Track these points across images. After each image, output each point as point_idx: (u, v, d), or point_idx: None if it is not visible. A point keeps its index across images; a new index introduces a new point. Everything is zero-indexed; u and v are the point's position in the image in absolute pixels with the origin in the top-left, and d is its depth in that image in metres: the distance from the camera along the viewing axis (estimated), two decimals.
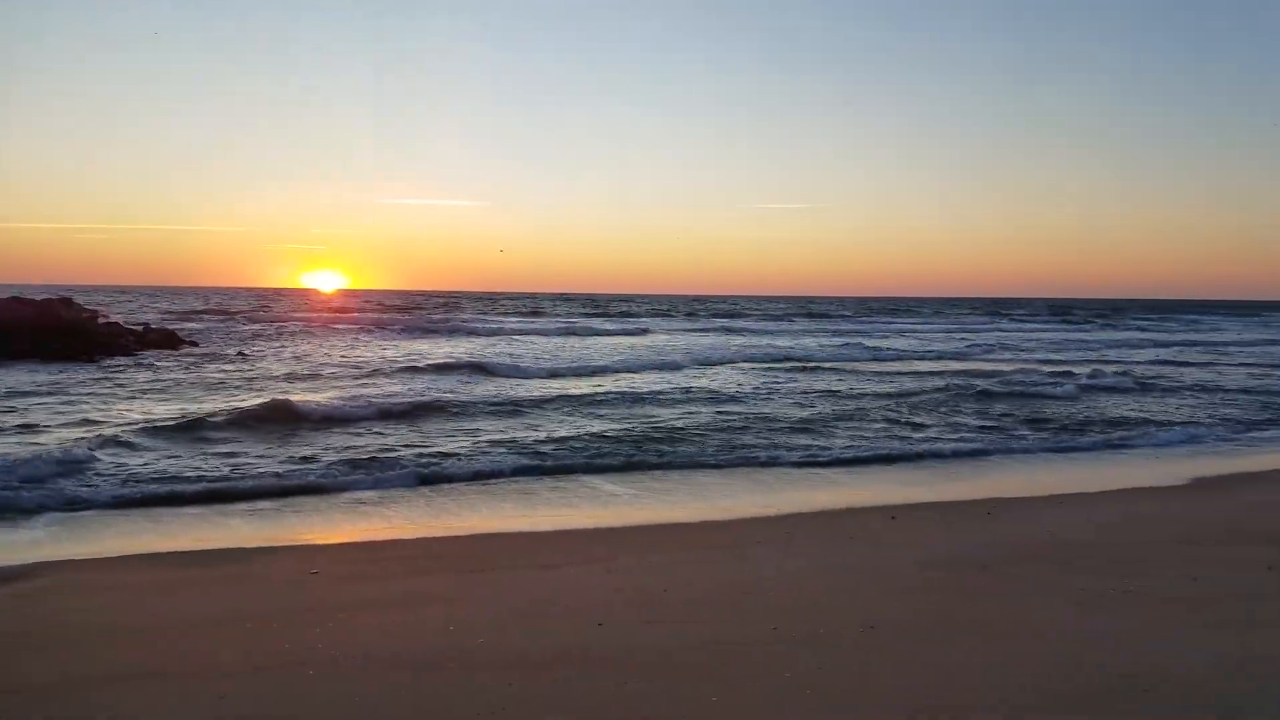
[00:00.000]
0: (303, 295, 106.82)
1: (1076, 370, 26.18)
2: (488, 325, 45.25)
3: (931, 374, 25.78)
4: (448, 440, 13.26)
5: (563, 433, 14.00)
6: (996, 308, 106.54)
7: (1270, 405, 19.61)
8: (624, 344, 36.00)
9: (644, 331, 44.90)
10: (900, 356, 33.00)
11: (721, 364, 26.47)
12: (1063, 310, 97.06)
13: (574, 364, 25.91)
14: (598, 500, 10.11)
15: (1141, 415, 17.61)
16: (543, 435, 13.73)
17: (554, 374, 23.69)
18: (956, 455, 13.28)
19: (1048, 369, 27.57)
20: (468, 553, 7.74)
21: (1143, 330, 60.16)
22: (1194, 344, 44.05)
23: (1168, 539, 7.77)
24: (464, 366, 24.31)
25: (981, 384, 21.96)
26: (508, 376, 22.89)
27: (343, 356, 28.03)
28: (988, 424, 16.08)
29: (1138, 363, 31.31)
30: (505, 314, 65.57)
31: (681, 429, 14.59)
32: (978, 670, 4.63)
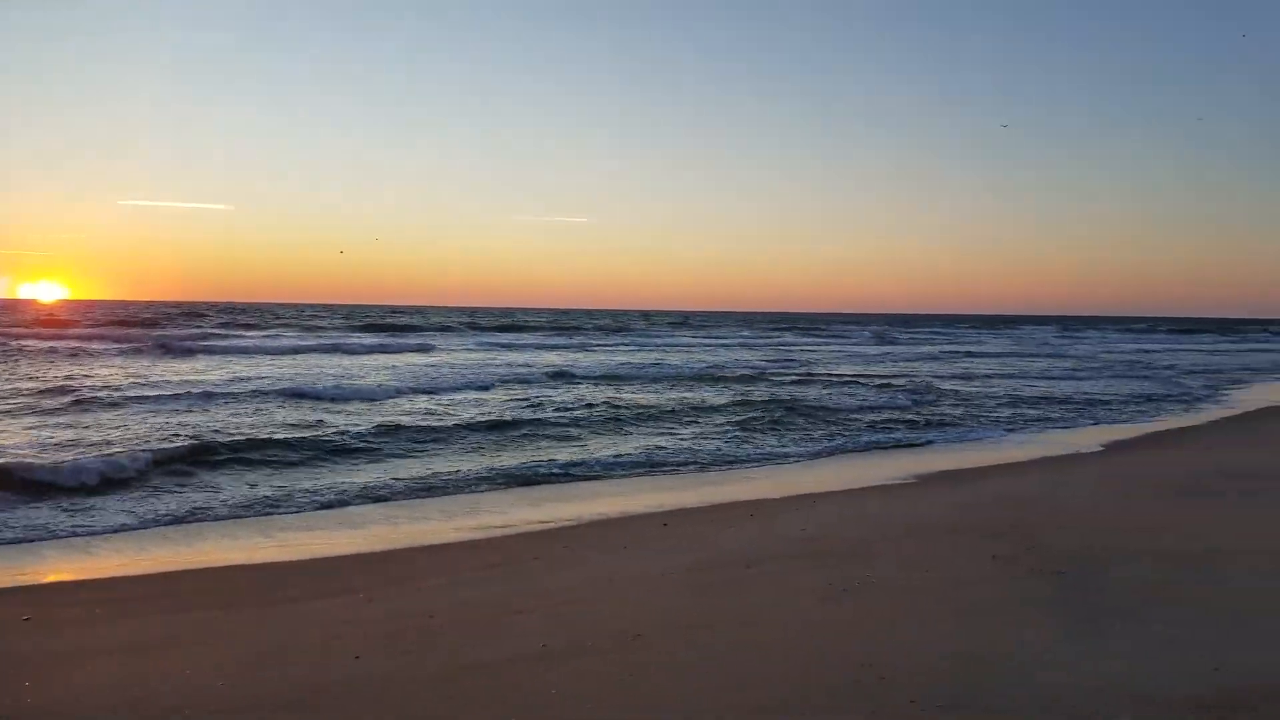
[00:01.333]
0: (18, 307, 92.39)
1: (844, 380, 28.11)
2: (235, 343, 40.23)
3: (711, 385, 26.77)
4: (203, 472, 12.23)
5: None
6: (793, 323, 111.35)
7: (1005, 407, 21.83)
8: (405, 361, 34.28)
9: (426, 348, 43.04)
10: (679, 373, 33.93)
11: (500, 382, 26.04)
12: (856, 323, 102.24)
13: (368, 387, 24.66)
14: (358, 526, 9.63)
15: (901, 419, 19.15)
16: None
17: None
18: (727, 461, 13.84)
19: (828, 380, 29.46)
20: (209, 589, 7.13)
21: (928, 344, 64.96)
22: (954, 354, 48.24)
23: (906, 531, 8.39)
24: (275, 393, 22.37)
25: (761, 394, 23.13)
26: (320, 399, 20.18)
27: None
28: (762, 430, 16.90)
29: (899, 376, 33.84)
30: (255, 327, 58.42)
31: (457, 446, 14.31)
32: (734, 668, 4.77)
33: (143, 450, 12.31)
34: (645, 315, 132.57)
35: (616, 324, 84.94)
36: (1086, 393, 26.49)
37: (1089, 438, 16.90)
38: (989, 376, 33.04)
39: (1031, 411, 21.34)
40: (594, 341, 52.64)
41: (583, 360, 35.54)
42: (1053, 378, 32.70)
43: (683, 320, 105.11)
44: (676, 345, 51.88)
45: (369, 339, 46.05)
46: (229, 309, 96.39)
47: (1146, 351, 55.01)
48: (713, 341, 59.00)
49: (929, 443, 16.28)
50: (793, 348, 52.05)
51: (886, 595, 6.16)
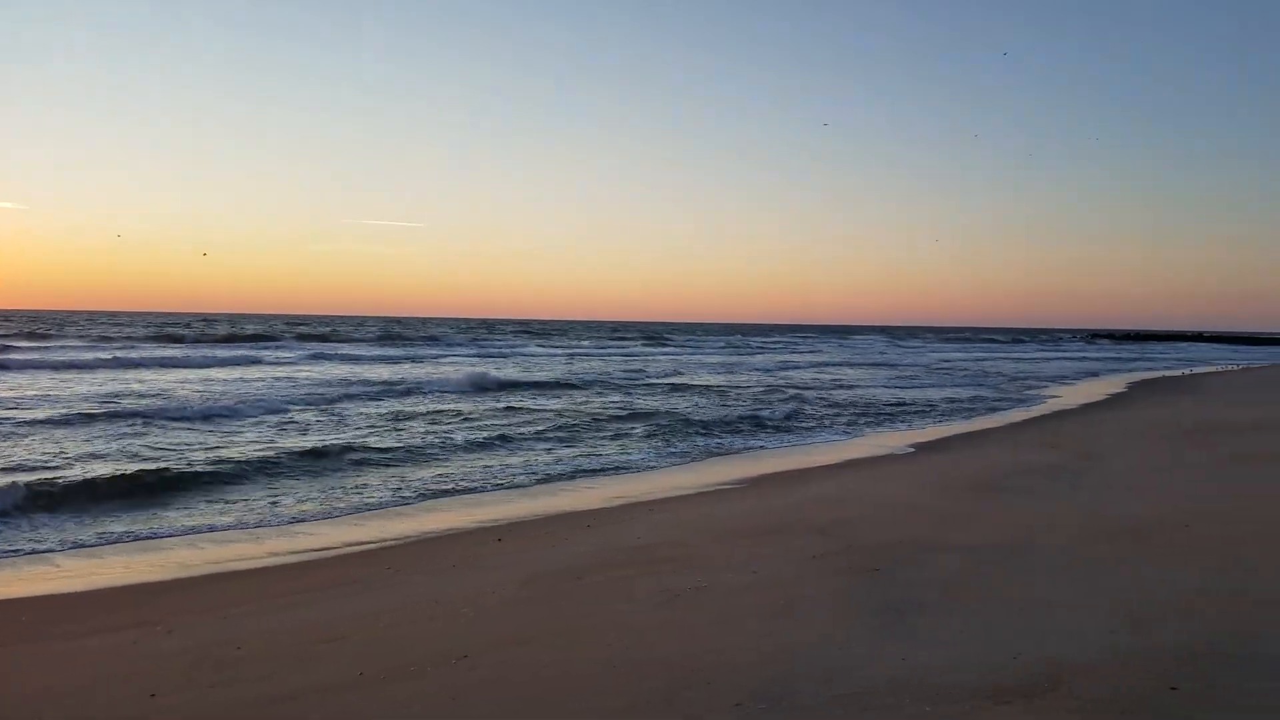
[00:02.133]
0: None
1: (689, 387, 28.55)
2: (28, 356, 35.97)
3: (556, 394, 26.59)
4: None
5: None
6: (640, 331, 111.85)
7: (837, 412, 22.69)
8: (233, 375, 32.13)
9: (254, 361, 40.50)
10: (516, 382, 33.58)
11: (345, 396, 24.82)
12: (703, 332, 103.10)
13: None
14: (158, 551, 8.98)
15: (742, 425, 19.58)
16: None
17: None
18: (569, 473, 13.76)
19: (674, 388, 29.75)
20: None
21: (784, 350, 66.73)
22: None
23: (735, 534, 8.54)
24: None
25: (608, 403, 23.16)
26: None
27: None
28: (606, 440, 16.91)
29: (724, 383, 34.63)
30: (47, 337, 53.07)
31: (281, 468, 13.60)
32: (561, 683, 4.69)
33: None
34: (487, 324, 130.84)
35: (456, 333, 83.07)
36: (914, 398, 27.98)
37: (910, 438, 17.82)
38: (829, 382, 34.45)
39: (864, 415, 22.34)
40: (430, 353, 51.05)
41: (414, 373, 34.42)
42: (881, 385, 34.36)
43: (524, 329, 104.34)
44: (520, 355, 51.42)
45: (196, 352, 43.12)
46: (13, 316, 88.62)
47: (980, 360, 58.75)
48: (558, 350, 58.82)
49: (764, 447, 16.73)
50: (639, 358, 52.45)
51: (715, 599, 6.22)
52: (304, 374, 32.32)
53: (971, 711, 4.07)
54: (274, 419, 19.07)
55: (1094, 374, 43.73)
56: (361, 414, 20.45)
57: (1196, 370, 45.36)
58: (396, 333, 76.54)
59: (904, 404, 25.69)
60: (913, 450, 16.17)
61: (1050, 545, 7.50)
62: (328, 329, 78.53)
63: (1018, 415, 23.05)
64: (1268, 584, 6.05)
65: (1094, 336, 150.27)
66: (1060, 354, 73.76)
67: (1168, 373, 43.46)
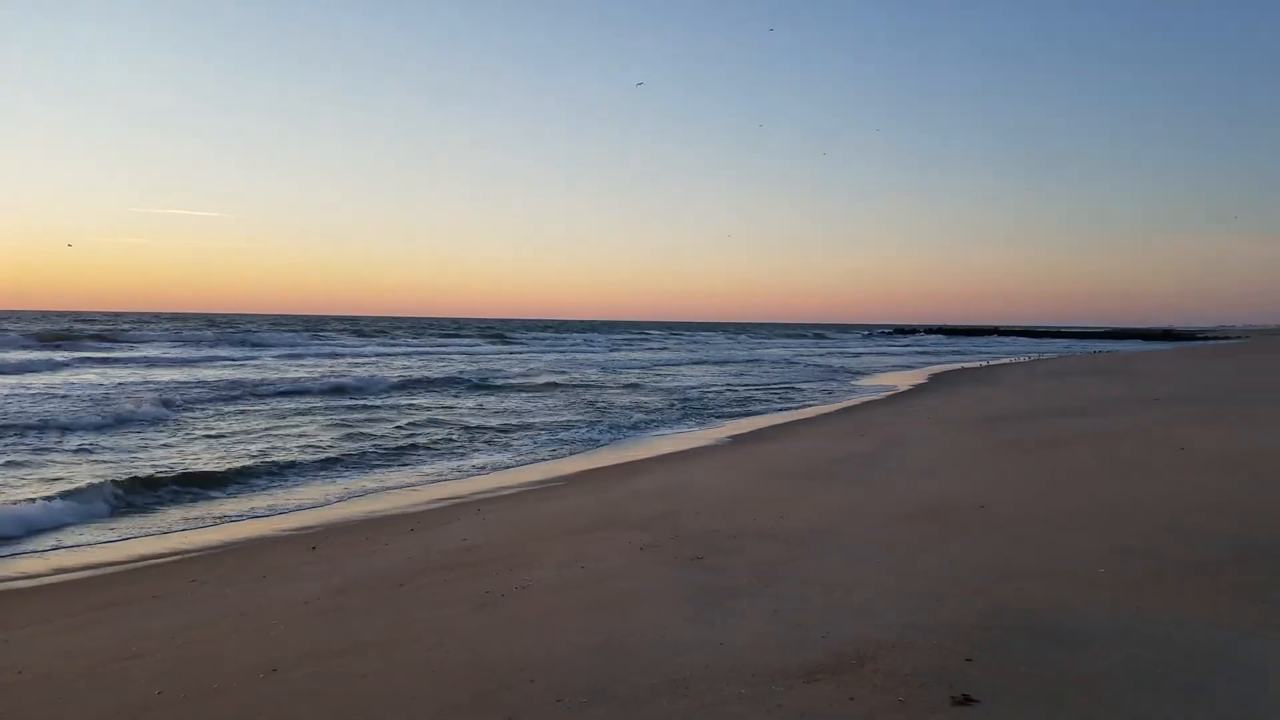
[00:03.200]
0: None
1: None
2: None
3: (386, 395, 25.75)
4: None
5: None
6: (474, 328, 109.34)
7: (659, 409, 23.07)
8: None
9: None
10: (339, 386, 32.26)
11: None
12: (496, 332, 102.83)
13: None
14: None
15: (574, 421, 19.55)
16: None
17: None
18: (390, 478, 13.35)
19: (510, 388, 29.32)
20: None
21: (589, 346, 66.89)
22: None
23: (562, 531, 8.54)
24: None
25: (435, 404, 22.53)
26: None
27: None
28: (436, 442, 16.50)
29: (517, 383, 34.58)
30: None
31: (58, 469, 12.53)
32: (378, 693, 4.53)
33: None
34: (306, 321, 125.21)
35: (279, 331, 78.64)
36: (737, 389, 28.86)
37: (731, 430, 18.36)
38: (669, 377, 35.02)
39: (691, 408, 22.88)
40: (223, 355, 47.37)
41: (204, 375, 32.39)
42: (709, 377, 35.25)
43: (353, 327, 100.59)
44: (348, 354, 49.47)
45: None
46: None
47: (800, 354, 61.32)
48: (398, 349, 57.03)
49: (597, 442, 16.83)
50: (472, 355, 51.57)
51: (541, 596, 6.18)
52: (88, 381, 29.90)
53: (784, 691, 4.22)
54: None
55: (907, 367, 46.57)
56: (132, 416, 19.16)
57: (995, 362, 49.00)
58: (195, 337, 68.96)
59: (728, 396, 26.47)
60: (731, 441, 16.67)
61: (858, 529, 7.89)
62: (110, 326, 72.28)
63: (830, 406, 24.19)
64: (1052, 559, 6.58)
65: (900, 331, 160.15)
66: (875, 348, 78.06)
67: (966, 365, 46.73)
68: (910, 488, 9.98)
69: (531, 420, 20.07)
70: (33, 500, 10.40)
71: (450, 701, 4.34)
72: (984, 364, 46.86)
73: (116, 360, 39.20)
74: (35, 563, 8.43)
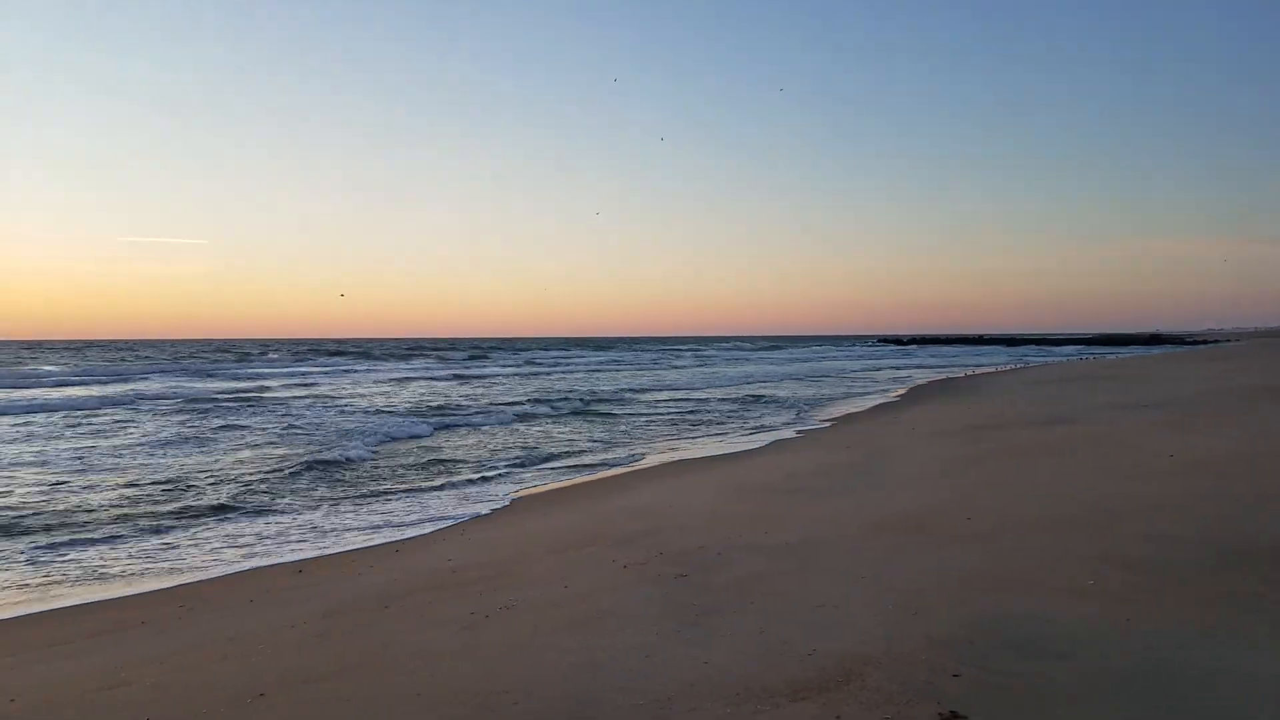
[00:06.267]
0: None
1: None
2: None
3: (362, 418, 25.65)
4: None
5: None
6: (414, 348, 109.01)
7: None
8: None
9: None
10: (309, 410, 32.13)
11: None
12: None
13: None
14: None
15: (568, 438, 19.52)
16: None
17: None
18: (378, 505, 13.31)
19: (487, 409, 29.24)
20: None
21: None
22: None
23: (547, 549, 8.56)
24: None
25: (419, 426, 22.50)
26: None
27: None
28: (421, 466, 16.46)
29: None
30: None
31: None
32: (363, 714, 4.54)
33: None
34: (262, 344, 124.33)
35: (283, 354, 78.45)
36: (721, 404, 28.90)
37: (720, 446, 18.39)
38: (640, 393, 35.04)
39: (677, 423, 22.91)
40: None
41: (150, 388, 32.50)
42: (700, 391, 35.25)
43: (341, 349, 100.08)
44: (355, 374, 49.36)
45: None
46: None
47: (795, 363, 61.30)
48: (385, 372, 56.85)
49: (584, 463, 16.82)
50: (463, 377, 51.46)
51: (524, 617, 6.20)
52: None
53: (769, 710, 4.25)
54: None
55: (896, 376, 46.75)
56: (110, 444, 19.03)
57: (978, 371, 49.23)
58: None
59: (717, 410, 26.53)
60: (720, 456, 16.70)
61: (841, 542, 7.91)
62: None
63: (816, 418, 24.26)
64: (1039, 569, 6.60)
65: (885, 341, 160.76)
66: (860, 357, 78.35)
67: (950, 374, 46.95)
68: (894, 499, 10.03)
69: (527, 442, 19.91)
70: None
71: None
72: (968, 373, 47.09)
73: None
74: (27, 592, 8.33)
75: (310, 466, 15.60)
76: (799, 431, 20.91)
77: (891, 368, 58.97)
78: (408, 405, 29.14)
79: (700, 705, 4.34)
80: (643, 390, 37.30)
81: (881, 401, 29.60)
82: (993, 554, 7.15)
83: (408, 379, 47.44)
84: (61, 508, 12.16)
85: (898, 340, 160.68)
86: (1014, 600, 5.85)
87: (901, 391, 34.31)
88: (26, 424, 23.67)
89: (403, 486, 13.94)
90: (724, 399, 31.87)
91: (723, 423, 23.58)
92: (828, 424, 22.50)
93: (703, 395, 34.07)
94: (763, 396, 32.77)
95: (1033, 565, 6.73)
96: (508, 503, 12.49)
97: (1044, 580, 6.30)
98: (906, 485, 11.01)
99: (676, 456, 17.00)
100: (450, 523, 11.08)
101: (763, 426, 22.54)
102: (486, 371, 56.10)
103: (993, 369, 51.83)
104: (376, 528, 10.92)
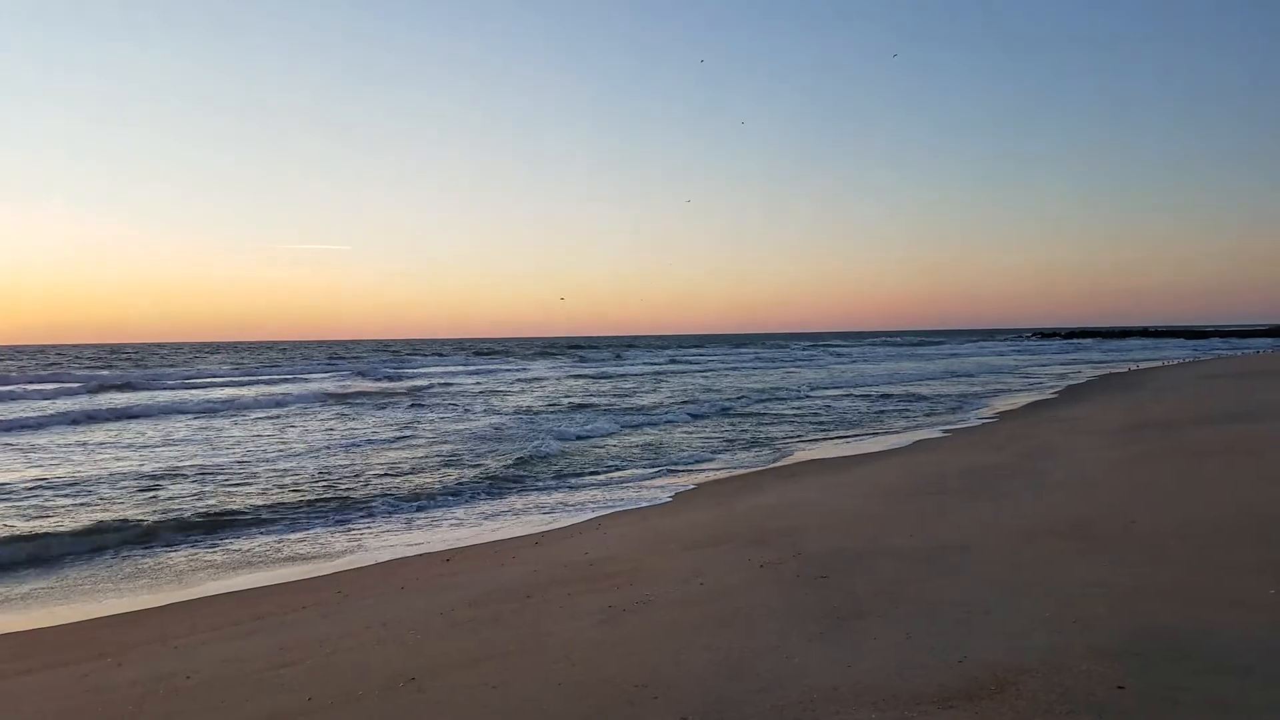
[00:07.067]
0: None
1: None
2: None
3: (500, 417, 26.42)
4: None
5: None
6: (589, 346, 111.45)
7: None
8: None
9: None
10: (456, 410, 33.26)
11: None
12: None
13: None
14: (103, 586, 8.80)
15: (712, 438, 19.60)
16: None
17: None
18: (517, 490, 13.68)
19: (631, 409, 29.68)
20: None
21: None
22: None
23: (682, 546, 8.55)
24: None
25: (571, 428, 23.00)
26: None
27: None
28: (562, 467, 16.85)
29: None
30: None
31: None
32: (508, 702, 4.64)
33: None
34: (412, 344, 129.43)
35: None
36: (831, 408, 28.28)
37: (858, 447, 17.99)
38: (778, 393, 34.73)
39: (812, 422, 22.58)
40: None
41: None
42: (837, 390, 34.66)
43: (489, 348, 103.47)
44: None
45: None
46: None
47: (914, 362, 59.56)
48: (521, 372, 58.46)
49: (711, 460, 16.80)
50: (610, 378, 52.26)
51: (660, 612, 6.21)
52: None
53: (916, 717, 4.10)
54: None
55: (1053, 371, 44.61)
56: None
57: (1143, 365, 46.39)
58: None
59: (857, 410, 25.98)
60: (861, 455, 16.33)
61: (992, 547, 7.57)
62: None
63: (965, 416, 23.39)
64: (1208, 579, 6.14)
65: (1039, 335, 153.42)
66: (1014, 352, 75.19)
67: (1113, 369, 44.40)
68: (1050, 501, 9.55)
69: (679, 438, 20.06)
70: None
71: (577, 715, 4.41)
72: (1131, 368, 44.46)
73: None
74: (200, 578, 8.97)
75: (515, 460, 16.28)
76: (946, 430, 20.21)
77: (1054, 363, 56.20)
78: (571, 401, 30.01)
79: (844, 710, 4.23)
80: (787, 391, 36.88)
81: (1037, 398, 28.25)
82: (1158, 561, 6.69)
83: (561, 377, 48.61)
84: (259, 501, 13.04)
85: (1055, 334, 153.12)
86: (1182, 611, 5.44)
87: (1059, 388, 32.66)
88: (235, 419, 25.45)
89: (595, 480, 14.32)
90: (881, 395, 31.20)
91: (865, 423, 23.06)
92: (977, 423, 21.66)
93: (864, 391, 33.49)
94: (909, 394, 31.85)
95: (1202, 575, 6.25)
96: (670, 497, 12.62)
97: (1214, 591, 5.83)
98: (1063, 487, 10.46)
99: (816, 455, 16.73)
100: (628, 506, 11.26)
101: (906, 425, 21.91)
102: (630, 370, 56.72)
103: (1160, 363, 48.70)
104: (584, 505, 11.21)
